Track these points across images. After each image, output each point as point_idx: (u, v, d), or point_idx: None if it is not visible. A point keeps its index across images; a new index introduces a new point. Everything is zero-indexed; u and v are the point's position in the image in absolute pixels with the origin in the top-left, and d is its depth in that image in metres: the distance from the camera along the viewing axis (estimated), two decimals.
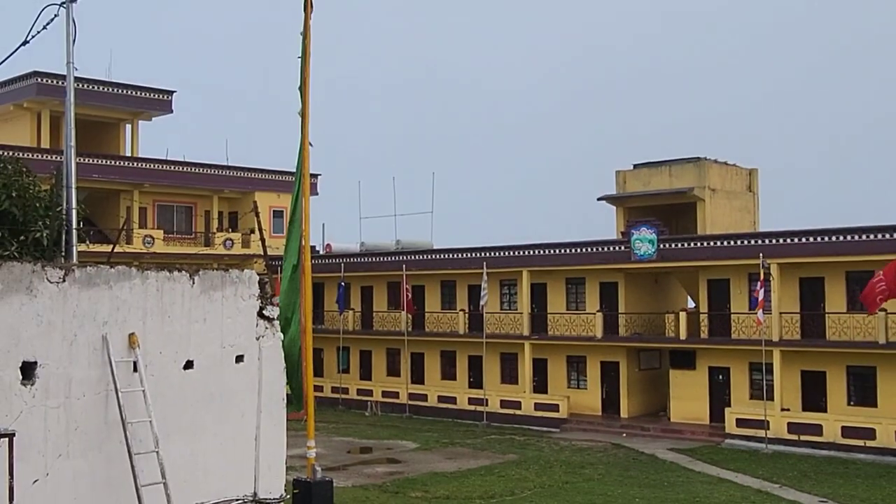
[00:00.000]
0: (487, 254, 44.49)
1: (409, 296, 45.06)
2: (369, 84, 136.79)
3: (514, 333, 44.03)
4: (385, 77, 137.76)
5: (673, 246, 39.28)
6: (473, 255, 45.22)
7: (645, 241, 39.54)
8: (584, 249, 41.95)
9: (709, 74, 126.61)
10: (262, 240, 26.11)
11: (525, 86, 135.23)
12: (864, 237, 34.40)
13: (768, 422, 34.93)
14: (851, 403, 35.68)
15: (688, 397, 39.69)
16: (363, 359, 50.73)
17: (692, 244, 39.04)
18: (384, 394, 47.46)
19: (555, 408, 41.63)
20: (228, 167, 50.82)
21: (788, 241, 36.24)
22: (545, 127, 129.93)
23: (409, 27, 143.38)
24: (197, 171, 49.56)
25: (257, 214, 27.29)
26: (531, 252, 43.52)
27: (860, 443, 33.12)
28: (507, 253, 44.25)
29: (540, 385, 43.93)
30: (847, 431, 33.62)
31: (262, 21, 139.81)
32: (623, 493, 26.85)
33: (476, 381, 45.32)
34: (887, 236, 33.71)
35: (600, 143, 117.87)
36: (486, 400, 43.19)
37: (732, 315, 38.54)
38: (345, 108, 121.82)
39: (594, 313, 41.65)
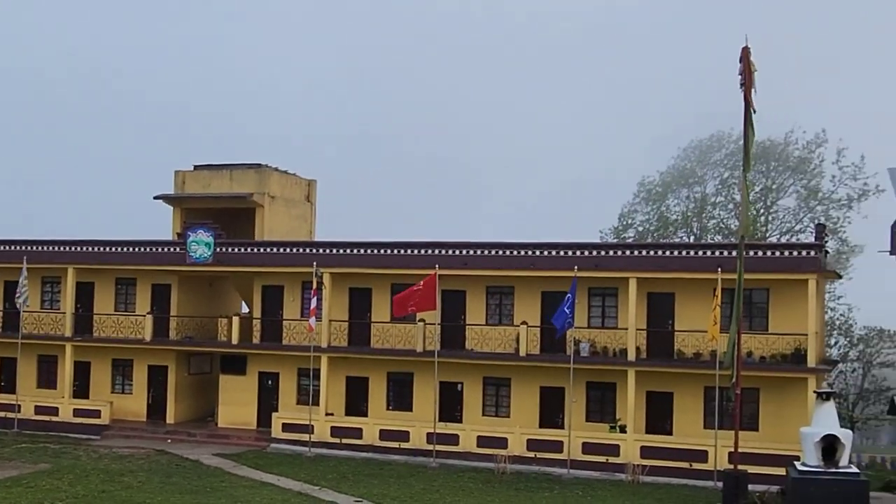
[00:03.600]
0: (28, 248, 41.30)
1: None
2: None
3: (55, 334, 41.18)
4: None
5: (229, 250, 39.05)
6: (12, 248, 41.78)
7: (201, 243, 38.91)
8: (136, 249, 40.40)
9: (276, 86, 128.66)
10: None
11: (86, 78, 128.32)
12: (409, 252, 36.60)
13: (313, 426, 35.78)
14: (390, 408, 37.66)
15: (237, 402, 39.56)
16: None
17: (249, 249, 39.09)
18: None
19: (96, 414, 39.47)
20: None
21: (340, 251, 37.55)
22: (101, 121, 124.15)
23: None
24: None
25: None
26: (78, 248, 41.07)
27: (396, 445, 35.00)
28: (51, 248, 41.37)
29: (81, 390, 41.45)
30: (385, 434, 35.38)
31: None
32: (163, 500, 25.99)
33: (8, 386, 41.68)
34: (427, 252, 36.15)
35: (162, 143, 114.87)
36: (19, 406, 39.92)
37: (285, 321, 39.09)
38: None
39: (144, 315, 40.15)
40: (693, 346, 33.45)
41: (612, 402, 34.98)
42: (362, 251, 37.35)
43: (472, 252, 35.93)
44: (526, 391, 35.99)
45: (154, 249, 40.22)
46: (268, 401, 39.25)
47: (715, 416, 31.35)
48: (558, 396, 35.28)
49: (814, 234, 36.10)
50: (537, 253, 35.18)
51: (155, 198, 43.37)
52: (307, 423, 35.82)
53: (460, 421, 36.12)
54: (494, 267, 35.46)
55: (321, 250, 37.80)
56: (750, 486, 26.17)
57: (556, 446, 33.19)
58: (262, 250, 38.97)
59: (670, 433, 33.89)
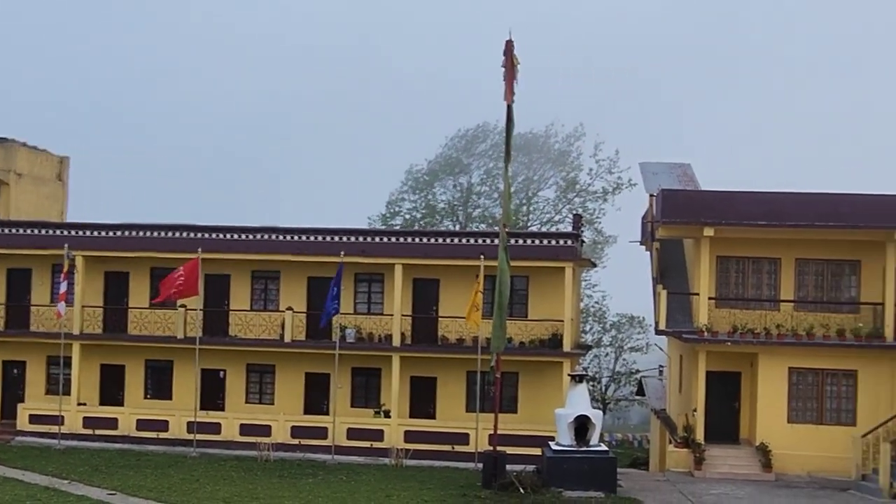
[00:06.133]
0: None
1: None
2: None
3: None
4: None
5: None
6: None
7: None
8: None
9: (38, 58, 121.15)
10: None
11: None
12: (169, 234, 35.25)
13: (63, 417, 33.81)
14: (148, 397, 36.26)
15: None
16: None
17: None
18: None
19: None
20: None
21: (95, 234, 35.66)
22: None
23: None
24: None
25: None
26: None
27: (154, 435, 33.74)
28: None
29: None
30: (142, 424, 34.04)
31: None
32: None
33: None
34: (189, 235, 34.96)
35: None
36: None
37: (32, 307, 36.75)
38: None
39: None
40: (456, 331, 34.09)
41: (377, 388, 35.18)
42: (119, 233, 35.62)
43: (236, 236, 35.04)
44: (291, 378, 35.58)
45: None
46: (13, 391, 36.79)
47: (476, 400, 32.10)
48: (324, 383, 35.09)
49: (571, 225, 37.65)
50: (304, 238, 34.76)
51: None
52: (57, 413, 33.82)
53: (223, 409, 35.28)
54: (260, 251, 34.77)
55: (73, 232, 35.73)
56: (508, 467, 26.91)
57: (321, 433, 33.01)
58: (6, 231, 36.41)
59: (434, 417, 34.47)
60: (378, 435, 32.89)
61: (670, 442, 32.18)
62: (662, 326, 32.24)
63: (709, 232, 30.55)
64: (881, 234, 30.19)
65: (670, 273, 34.82)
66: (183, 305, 34.49)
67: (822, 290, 31.86)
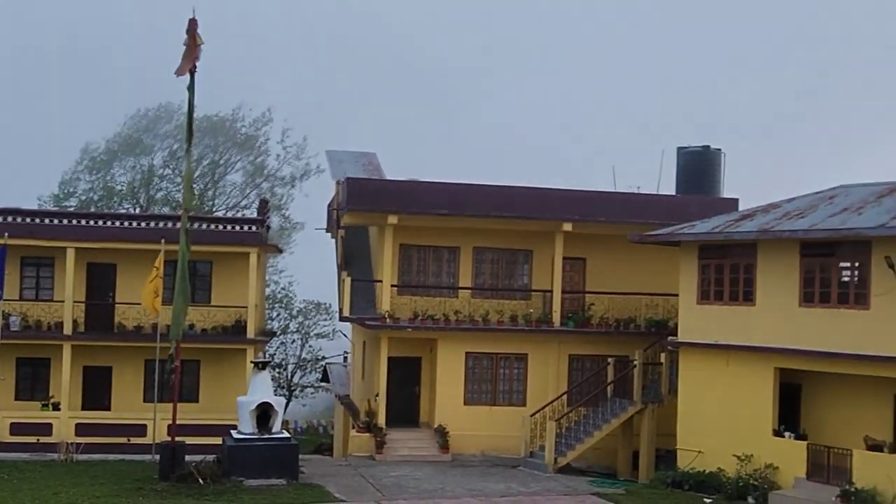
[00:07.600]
0: None
1: None
2: None
3: None
4: None
5: None
6: None
7: None
8: None
9: None
10: None
11: None
12: None
13: None
14: None
15: None
16: None
17: None
18: None
19: None
20: None
21: None
22: None
23: None
24: None
25: None
26: None
27: None
28: None
29: None
30: None
31: None
32: None
33: None
34: None
35: None
36: None
37: None
38: None
39: None
40: (134, 318, 32.65)
41: (46, 379, 33.01)
42: None
43: None
44: None
45: None
46: None
47: (155, 390, 30.90)
48: None
49: (257, 210, 37.15)
50: None
51: None
52: None
53: None
54: None
55: None
56: (188, 457, 26.08)
57: None
58: None
59: (109, 408, 32.91)
60: (46, 429, 30.84)
61: (353, 427, 32.58)
62: (347, 313, 32.53)
63: (392, 220, 31.14)
64: (550, 226, 32.13)
65: (355, 260, 35.22)
66: None
67: (498, 277, 33.45)
